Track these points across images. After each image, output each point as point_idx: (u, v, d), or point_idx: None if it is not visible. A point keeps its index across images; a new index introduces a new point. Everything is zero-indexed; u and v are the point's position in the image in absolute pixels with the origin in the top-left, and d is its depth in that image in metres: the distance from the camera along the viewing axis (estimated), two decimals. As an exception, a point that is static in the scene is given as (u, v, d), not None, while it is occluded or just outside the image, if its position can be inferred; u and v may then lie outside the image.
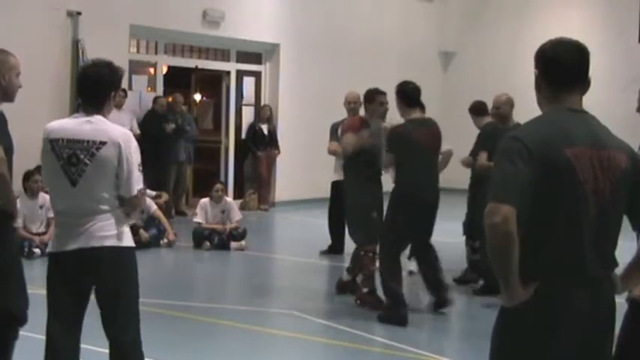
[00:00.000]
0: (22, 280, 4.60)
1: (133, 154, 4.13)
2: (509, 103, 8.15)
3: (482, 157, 7.94)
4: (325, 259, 10.08)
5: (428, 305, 7.57)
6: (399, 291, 7.10)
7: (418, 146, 7.11)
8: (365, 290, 7.55)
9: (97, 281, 4.18)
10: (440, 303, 7.44)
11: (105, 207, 4.12)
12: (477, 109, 8.64)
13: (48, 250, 4.25)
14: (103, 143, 4.09)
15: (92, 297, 4.29)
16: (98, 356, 4.62)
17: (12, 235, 4.73)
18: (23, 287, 4.60)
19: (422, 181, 7.14)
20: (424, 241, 7.45)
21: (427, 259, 7.47)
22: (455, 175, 8.30)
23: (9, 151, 4.53)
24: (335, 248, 10.25)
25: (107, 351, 4.23)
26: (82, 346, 4.32)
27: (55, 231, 4.29)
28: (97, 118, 4.16)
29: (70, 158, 4.09)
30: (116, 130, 4.18)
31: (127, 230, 4.21)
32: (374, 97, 7.59)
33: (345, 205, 7.88)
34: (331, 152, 9.86)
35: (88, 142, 4.09)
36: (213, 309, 7.56)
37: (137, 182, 4.15)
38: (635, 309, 3.68)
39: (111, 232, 4.12)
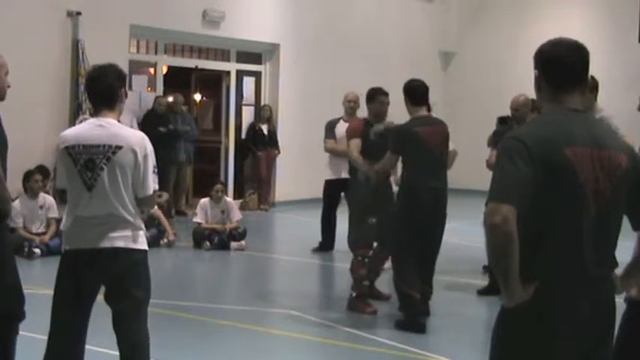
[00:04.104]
0: (17, 278, 4.61)
1: (149, 156, 4.22)
2: (528, 105, 8.02)
3: (493, 156, 7.84)
4: (325, 259, 10.08)
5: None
6: (412, 295, 6.91)
7: (424, 145, 6.93)
8: (354, 294, 7.44)
9: (108, 281, 4.22)
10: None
11: (120, 210, 4.17)
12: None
13: (62, 247, 4.29)
14: (119, 147, 4.16)
15: (99, 298, 4.31)
16: (103, 357, 4.62)
17: (5, 233, 4.75)
18: (18, 284, 4.62)
19: (429, 181, 6.92)
20: (426, 250, 7.07)
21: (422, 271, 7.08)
22: (461, 176, 8.26)
23: (2, 146, 4.54)
24: (325, 246, 10.29)
25: (108, 351, 4.23)
26: (87, 347, 4.33)
27: (70, 229, 4.30)
28: (110, 122, 4.23)
29: (87, 163, 4.15)
30: (131, 134, 4.27)
31: (141, 233, 4.27)
32: (374, 96, 7.55)
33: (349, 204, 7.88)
34: (328, 150, 9.89)
35: (104, 146, 4.16)
36: (213, 309, 7.56)
37: (153, 183, 4.26)
38: (634, 309, 3.68)
39: (124, 233, 4.18)
